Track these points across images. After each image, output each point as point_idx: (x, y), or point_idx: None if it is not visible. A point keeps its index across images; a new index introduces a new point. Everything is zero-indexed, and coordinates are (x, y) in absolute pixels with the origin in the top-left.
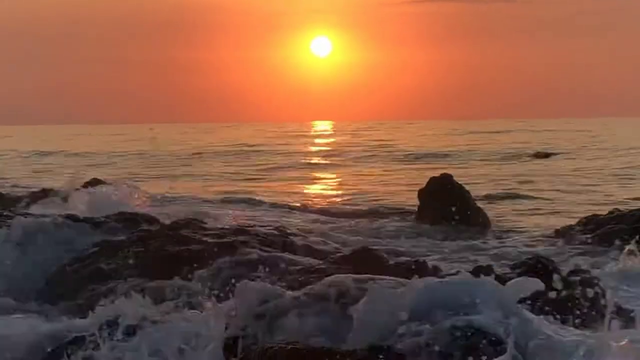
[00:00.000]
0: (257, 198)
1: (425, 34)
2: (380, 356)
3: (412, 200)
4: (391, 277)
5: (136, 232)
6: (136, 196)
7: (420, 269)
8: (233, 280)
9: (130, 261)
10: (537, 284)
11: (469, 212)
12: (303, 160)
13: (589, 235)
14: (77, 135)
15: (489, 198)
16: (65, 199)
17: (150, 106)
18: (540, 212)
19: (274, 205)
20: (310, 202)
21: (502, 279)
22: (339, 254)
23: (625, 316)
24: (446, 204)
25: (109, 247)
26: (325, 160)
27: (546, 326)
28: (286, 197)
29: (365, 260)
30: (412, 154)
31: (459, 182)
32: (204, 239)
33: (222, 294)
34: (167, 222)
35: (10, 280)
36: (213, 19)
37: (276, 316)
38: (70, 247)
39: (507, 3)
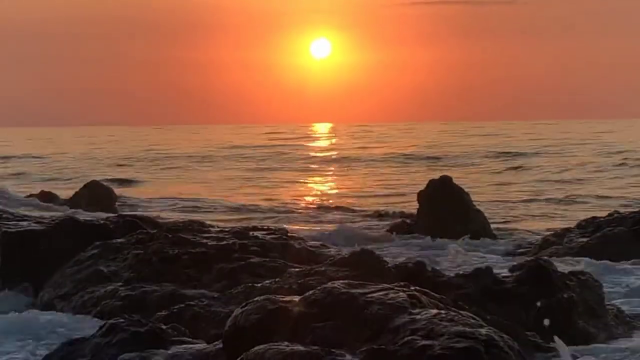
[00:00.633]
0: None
1: (425, 35)
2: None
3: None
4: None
5: (135, 235)
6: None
7: (419, 271)
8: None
9: (130, 263)
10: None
11: (468, 215)
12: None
13: (587, 238)
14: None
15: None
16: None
17: (147, 108)
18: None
19: (274, 208)
20: (310, 203)
21: (501, 282)
22: (338, 257)
23: (624, 318)
24: (445, 207)
25: (109, 249)
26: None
27: None
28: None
29: (364, 263)
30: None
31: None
32: (204, 241)
33: (222, 298)
34: (167, 224)
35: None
36: (212, 19)
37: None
38: (70, 248)
39: (507, 5)
